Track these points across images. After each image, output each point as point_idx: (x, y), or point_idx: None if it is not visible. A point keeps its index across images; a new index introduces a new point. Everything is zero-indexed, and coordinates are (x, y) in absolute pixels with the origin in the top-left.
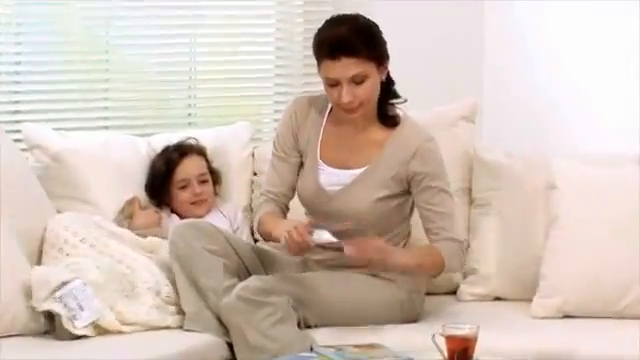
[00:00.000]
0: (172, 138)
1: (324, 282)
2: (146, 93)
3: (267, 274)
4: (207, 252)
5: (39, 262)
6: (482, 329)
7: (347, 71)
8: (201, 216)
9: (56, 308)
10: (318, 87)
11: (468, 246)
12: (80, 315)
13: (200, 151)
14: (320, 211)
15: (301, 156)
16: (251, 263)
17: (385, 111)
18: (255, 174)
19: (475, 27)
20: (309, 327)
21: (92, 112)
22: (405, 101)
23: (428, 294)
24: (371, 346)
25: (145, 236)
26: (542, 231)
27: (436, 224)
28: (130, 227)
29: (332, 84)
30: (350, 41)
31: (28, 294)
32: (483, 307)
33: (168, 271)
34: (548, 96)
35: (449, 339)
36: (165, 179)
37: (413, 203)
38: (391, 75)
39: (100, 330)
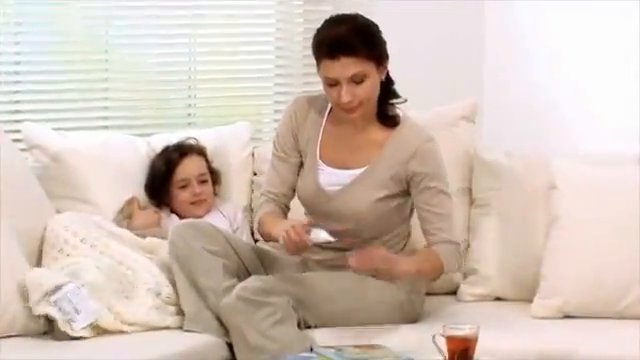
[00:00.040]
0: (172, 138)
1: (324, 282)
2: (146, 93)
3: (267, 274)
4: (207, 252)
5: (39, 262)
6: (482, 329)
7: (346, 71)
8: (201, 216)
9: (51, 312)
10: (318, 87)
11: (468, 246)
12: (77, 318)
13: (200, 151)
14: (320, 211)
15: (301, 156)
16: (251, 263)
17: (385, 111)
18: (255, 174)
19: (475, 27)
20: (309, 327)
21: (92, 112)
22: (405, 101)
23: (428, 294)
24: (371, 346)
25: (144, 236)
26: (542, 231)
27: (434, 225)
28: (129, 227)
29: (331, 84)
30: (349, 40)
31: (27, 295)
32: (483, 307)
33: (168, 272)
34: (548, 96)
35: (449, 339)
36: (165, 179)
37: (413, 203)
38: (391, 75)
39: (99, 331)
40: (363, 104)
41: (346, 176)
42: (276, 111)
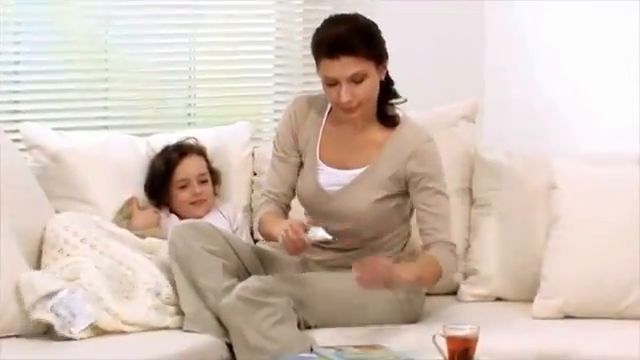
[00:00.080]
0: (171, 138)
1: (324, 283)
2: (145, 93)
3: (267, 274)
4: (206, 252)
5: (38, 262)
6: (483, 330)
7: (346, 70)
8: (200, 216)
9: (48, 318)
10: (318, 87)
11: (469, 246)
12: (74, 322)
13: (200, 151)
14: (319, 211)
15: (301, 156)
16: (250, 263)
17: (384, 111)
18: (255, 174)
19: (476, 27)
20: (309, 328)
21: (91, 112)
22: (405, 101)
23: (428, 294)
24: (371, 347)
25: (144, 236)
26: (543, 231)
27: (429, 225)
28: (129, 227)
29: (331, 83)
30: (349, 40)
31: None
32: (484, 308)
33: (168, 272)
34: (548, 96)
35: (450, 340)
36: (165, 179)
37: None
38: (391, 75)
39: (98, 331)
40: (363, 104)
41: (346, 176)
42: (276, 111)
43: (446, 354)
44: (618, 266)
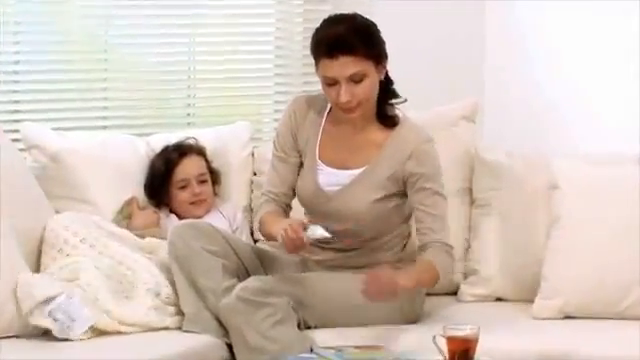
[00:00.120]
0: (171, 138)
1: (324, 283)
2: (145, 93)
3: (267, 274)
4: (206, 252)
5: (38, 262)
6: (483, 330)
7: (345, 70)
8: (200, 216)
9: (47, 324)
10: (318, 87)
11: (469, 246)
12: (73, 326)
13: (199, 151)
14: (319, 211)
15: (300, 156)
16: (250, 263)
17: (384, 111)
18: (255, 174)
19: (476, 27)
20: (309, 328)
21: (91, 112)
22: (405, 101)
23: (428, 295)
24: (371, 347)
25: (144, 236)
26: (543, 231)
27: (425, 224)
28: (129, 227)
29: (330, 83)
30: (348, 39)
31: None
32: (484, 308)
33: (168, 272)
34: (549, 96)
35: (450, 340)
36: (164, 179)
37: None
38: (390, 75)
39: (98, 332)
40: (362, 104)
41: (345, 176)
42: (276, 111)
43: (446, 354)
44: (618, 266)
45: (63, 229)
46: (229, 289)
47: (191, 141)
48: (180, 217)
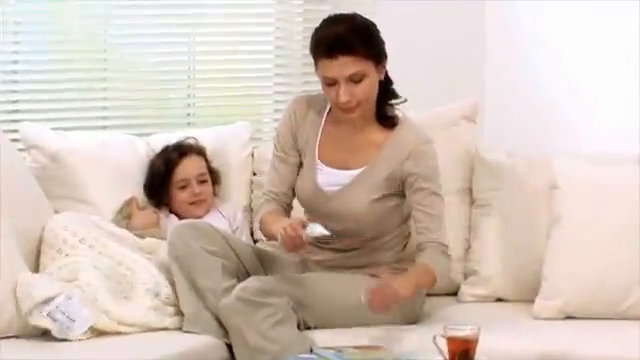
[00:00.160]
0: (171, 138)
1: (324, 283)
2: (145, 92)
3: (266, 275)
4: (206, 252)
5: (37, 262)
6: (483, 330)
7: (345, 70)
8: (200, 216)
9: (46, 324)
10: (318, 87)
11: (469, 246)
12: (72, 326)
13: (199, 151)
14: (318, 211)
15: (300, 156)
16: (250, 264)
17: (384, 111)
18: (255, 174)
19: (476, 27)
20: (309, 328)
21: (90, 112)
22: (405, 101)
23: (428, 295)
24: (371, 347)
25: (143, 237)
26: (544, 231)
27: (423, 224)
28: (128, 227)
29: (330, 83)
30: (347, 39)
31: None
32: (484, 308)
33: (167, 272)
34: (549, 96)
35: (450, 340)
36: (164, 179)
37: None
38: (390, 75)
39: (97, 333)
40: (362, 104)
41: (345, 176)
42: (276, 111)
43: (446, 355)
44: (619, 266)
45: (62, 229)
46: (229, 289)
47: (191, 141)
48: (180, 217)
